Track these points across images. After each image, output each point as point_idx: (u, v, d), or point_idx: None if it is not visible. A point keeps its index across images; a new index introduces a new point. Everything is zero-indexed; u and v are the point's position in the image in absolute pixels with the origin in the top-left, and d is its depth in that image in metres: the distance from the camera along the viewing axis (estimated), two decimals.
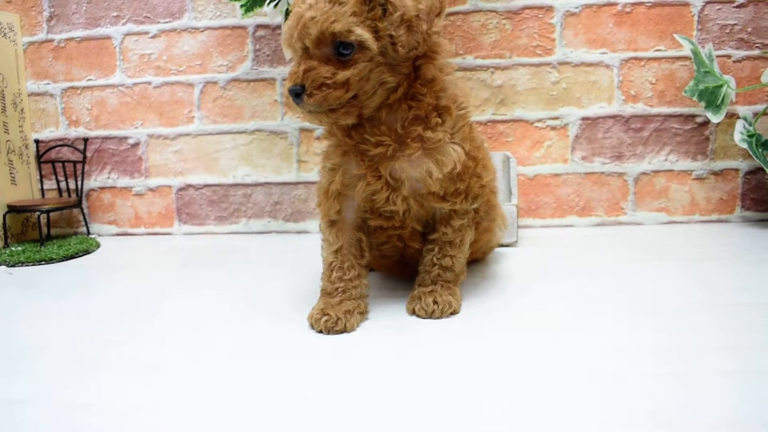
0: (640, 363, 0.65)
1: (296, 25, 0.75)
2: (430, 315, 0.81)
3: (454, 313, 0.83)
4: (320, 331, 0.78)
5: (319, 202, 0.86)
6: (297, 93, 0.75)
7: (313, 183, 1.42)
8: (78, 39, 1.47)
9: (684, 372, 0.62)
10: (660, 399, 0.57)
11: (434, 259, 0.86)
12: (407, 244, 0.88)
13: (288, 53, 0.80)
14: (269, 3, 1.13)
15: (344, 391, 0.61)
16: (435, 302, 0.82)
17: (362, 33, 0.73)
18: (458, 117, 0.82)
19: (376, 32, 0.74)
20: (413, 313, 0.83)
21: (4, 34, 1.41)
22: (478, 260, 1.09)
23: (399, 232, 0.86)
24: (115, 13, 1.45)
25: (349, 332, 0.78)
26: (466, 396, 0.59)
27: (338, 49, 0.75)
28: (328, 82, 0.74)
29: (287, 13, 1.26)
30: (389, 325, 0.80)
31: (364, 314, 0.82)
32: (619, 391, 0.58)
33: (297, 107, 0.77)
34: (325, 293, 0.83)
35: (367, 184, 0.81)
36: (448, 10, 1.34)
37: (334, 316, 0.78)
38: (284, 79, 0.76)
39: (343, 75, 0.75)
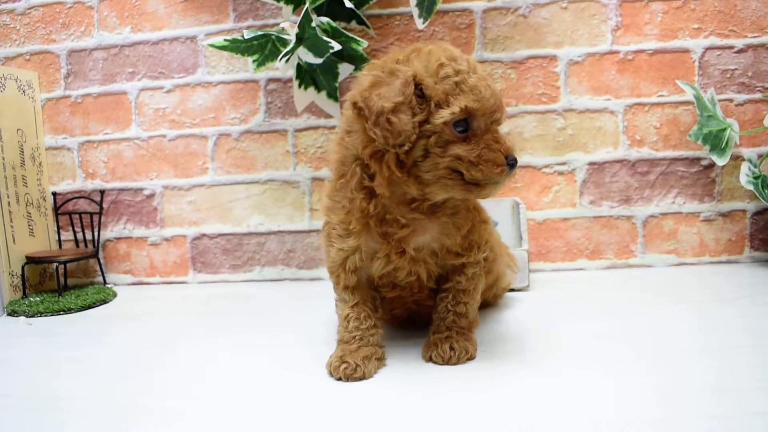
0: (654, 406, 0.65)
1: (491, 94, 0.76)
2: (447, 362, 0.82)
3: (470, 359, 0.83)
4: (339, 379, 0.78)
5: (335, 274, 0.87)
6: (512, 164, 0.77)
7: None
8: (95, 95, 1.51)
9: (687, 415, 0.63)
10: None
11: (448, 306, 0.87)
12: (421, 303, 0.91)
13: (452, 111, 0.74)
14: (281, 58, 1.16)
15: None
16: (452, 348, 0.82)
17: None
18: None
19: None
20: (429, 359, 0.83)
21: (23, 91, 1.45)
22: (490, 304, 1.10)
23: (416, 297, 0.89)
24: (130, 70, 1.49)
25: (367, 379, 0.79)
26: None
27: None
28: None
29: (299, 67, 1.30)
30: (407, 372, 0.81)
31: (381, 360, 0.83)
32: None
33: (502, 178, 0.76)
34: (342, 342, 0.84)
35: (387, 262, 0.82)
36: None
37: (353, 363, 0.78)
38: (464, 157, 0.73)
39: None
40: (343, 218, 0.82)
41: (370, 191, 0.80)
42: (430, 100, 0.74)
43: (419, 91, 0.74)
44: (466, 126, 0.75)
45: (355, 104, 0.75)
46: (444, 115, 0.74)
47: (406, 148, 0.73)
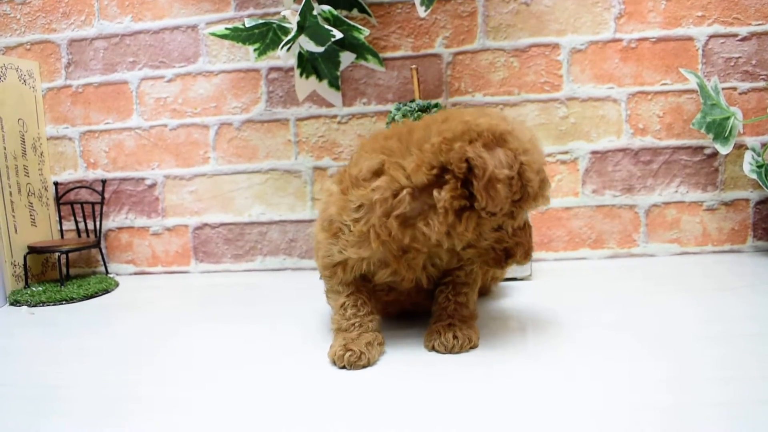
0: (655, 394, 0.65)
1: (540, 182, 0.78)
2: (450, 350, 0.82)
3: (473, 347, 0.83)
4: (343, 367, 0.78)
5: (331, 271, 0.86)
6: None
7: None
8: (95, 84, 1.51)
9: (694, 403, 0.63)
10: (678, 430, 0.57)
11: (449, 296, 0.87)
12: (417, 304, 0.92)
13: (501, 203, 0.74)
14: (282, 47, 1.16)
15: (372, 429, 0.62)
16: (455, 337, 0.82)
17: None
18: None
19: None
20: (432, 348, 0.83)
21: (24, 81, 1.44)
22: (483, 294, 1.10)
23: (413, 299, 0.91)
24: (131, 59, 1.49)
25: (371, 365, 0.79)
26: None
27: None
28: None
29: (300, 56, 1.29)
30: (409, 361, 0.81)
31: (382, 345, 0.83)
32: (637, 424, 0.59)
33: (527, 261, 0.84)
34: (341, 330, 0.84)
35: (394, 273, 0.83)
36: (457, 49, 1.37)
37: (357, 351, 0.78)
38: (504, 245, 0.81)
39: None
40: (361, 229, 0.80)
41: (407, 221, 0.77)
42: (526, 192, 0.76)
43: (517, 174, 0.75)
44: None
45: (468, 159, 0.73)
46: (522, 216, 0.79)
47: (497, 218, 0.76)
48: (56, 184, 1.52)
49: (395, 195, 0.76)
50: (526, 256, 0.82)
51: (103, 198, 1.49)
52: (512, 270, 1.20)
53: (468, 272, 0.87)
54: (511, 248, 0.81)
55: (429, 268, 0.86)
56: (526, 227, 0.82)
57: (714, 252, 1.38)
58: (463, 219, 0.75)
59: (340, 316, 0.85)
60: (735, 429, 0.57)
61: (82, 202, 1.49)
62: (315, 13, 1.16)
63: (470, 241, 0.79)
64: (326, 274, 0.88)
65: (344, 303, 0.85)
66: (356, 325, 0.83)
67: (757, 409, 0.61)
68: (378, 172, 0.78)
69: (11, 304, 1.27)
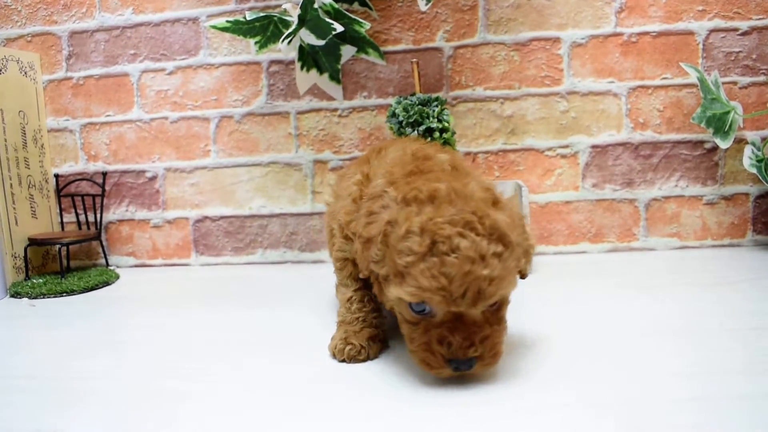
0: (657, 388, 0.66)
1: (460, 283, 0.63)
2: None
3: None
4: (342, 360, 0.78)
5: (342, 263, 0.86)
6: (470, 365, 0.66)
7: None
8: (96, 76, 1.51)
9: (701, 396, 0.63)
10: (680, 424, 0.58)
11: None
12: None
13: (412, 298, 0.66)
14: (283, 40, 1.16)
15: (371, 421, 0.62)
16: None
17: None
18: None
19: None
20: None
21: (25, 73, 1.44)
22: None
23: None
24: (132, 51, 1.49)
25: (372, 360, 0.79)
26: (494, 425, 0.60)
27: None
28: (500, 346, 0.69)
29: (301, 49, 1.29)
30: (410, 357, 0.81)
31: (383, 342, 0.83)
32: (638, 417, 0.59)
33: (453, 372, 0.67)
34: (345, 323, 0.84)
35: None
36: (458, 43, 1.37)
37: (358, 345, 0.78)
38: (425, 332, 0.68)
39: (503, 332, 0.70)
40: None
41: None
42: (391, 261, 0.68)
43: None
44: (423, 309, 0.68)
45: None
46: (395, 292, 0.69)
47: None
48: (57, 176, 1.52)
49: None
50: (435, 372, 0.68)
51: (103, 190, 1.49)
52: None
53: None
54: (413, 351, 0.70)
55: None
56: (440, 331, 0.66)
57: (713, 246, 1.38)
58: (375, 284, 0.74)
59: (345, 310, 0.85)
60: (736, 423, 0.58)
61: (83, 195, 1.49)
62: (316, 6, 1.16)
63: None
64: (337, 266, 0.88)
65: (351, 297, 0.85)
66: (360, 319, 0.83)
67: (758, 403, 0.61)
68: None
69: (12, 296, 1.28)
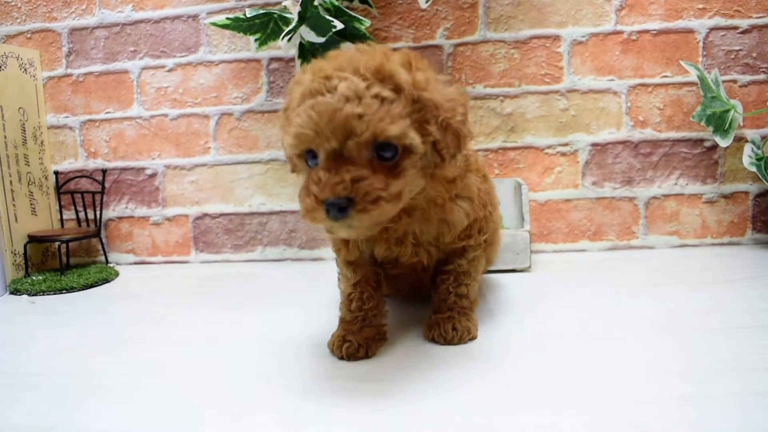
0: (656, 385, 0.66)
1: (329, 119, 0.62)
2: (449, 342, 0.82)
3: (472, 338, 0.83)
4: (341, 357, 0.78)
5: (337, 247, 0.85)
6: (342, 207, 0.61)
7: None
8: (96, 73, 1.51)
9: (700, 394, 0.63)
10: (676, 422, 0.58)
11: (450, 287, 0.86)
12: (425, 282, 0.91)
13: (295, 147, 0.66)
14: (283, 37, 1.15)
15: (369, 418, 0.62)
16: (454, 329, 0.82)
17: (415, 137, 0.64)
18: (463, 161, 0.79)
19: (422, 135, 0.66)
20: (432, 339, 0.83)
21: (25, 70, 1.44)
22: None
23: (419, 276, 0.89)
24: (132, 48, 1.49)
25: (369, 358, 0.79)
26: (493, 421, 0.60)
27: (378, 152, 0.64)
28: (384, 194, 0.63)
29: (301, 46, 1.29)
30: (408, 352, 0.81)
31: (383, 340, 0.83)
32: (636, 415, 0.59)
33: (331, 221, 0.63)
34: (345, 322, 0.84)
35: (388, 249, 0.81)
36: (458, 40, 1.37)
37: (356, 343, 0.79)
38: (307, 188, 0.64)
39: (396, 186, 0.65)
40: None
41: None
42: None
43: None
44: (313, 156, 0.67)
45: None
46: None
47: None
48: (56, 173, 1.52)
49: None
50: (310, 216, 0.65)
51: (103, 187, 1.49)
52: (512, 261, 1.21)
53: (470, 260, 0.86)
54: (300, 198, 0.67)
55: (428, 248, 0.83)
56: (318, 173, 0.64)
57: (713, 244, 1.38)
58: None
59: (345, 307, 0.85)
60: (738, 420, 0.58)
61: (83, 192, 1.49)
62: (316, 3, 1.16)
63: None
64: (334, 250, 0.87)
65: (351, 294, 0.85)
66: (359, 318, 0.83)
67: (758, 400, 0.62)
68: None
69: (11, 292, 1.28)
